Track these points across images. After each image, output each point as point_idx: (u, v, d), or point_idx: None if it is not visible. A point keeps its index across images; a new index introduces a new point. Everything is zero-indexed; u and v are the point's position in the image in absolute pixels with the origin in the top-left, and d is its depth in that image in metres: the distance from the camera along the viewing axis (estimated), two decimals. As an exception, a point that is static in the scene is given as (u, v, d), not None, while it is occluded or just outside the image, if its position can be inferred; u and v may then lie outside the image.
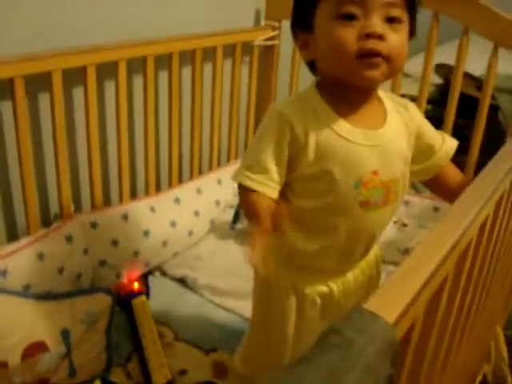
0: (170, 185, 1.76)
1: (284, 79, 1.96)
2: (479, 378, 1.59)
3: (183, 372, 1.39)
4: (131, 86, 1.57)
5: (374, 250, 1.11)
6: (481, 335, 1.33)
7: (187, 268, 1.69)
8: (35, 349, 1.28)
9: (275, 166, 0.89)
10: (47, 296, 1.37)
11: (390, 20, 0.83)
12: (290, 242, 0.99)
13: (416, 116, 1.00)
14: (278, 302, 1.07)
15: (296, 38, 0.94)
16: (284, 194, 0.95)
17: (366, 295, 1.08)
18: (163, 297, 1.60)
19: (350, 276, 1.07)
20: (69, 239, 1.46)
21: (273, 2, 1.86)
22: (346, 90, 0.89)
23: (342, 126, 0.89)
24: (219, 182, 1.86)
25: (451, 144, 1.06)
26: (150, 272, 1.69)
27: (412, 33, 0.90)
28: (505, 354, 1.63)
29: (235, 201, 1.92)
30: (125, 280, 1.59)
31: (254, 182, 0.89)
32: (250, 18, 1.90)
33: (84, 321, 1.36)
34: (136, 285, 1.60)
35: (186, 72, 1.69)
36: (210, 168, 1.88)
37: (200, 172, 1.85)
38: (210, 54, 1.73)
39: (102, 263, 1.54)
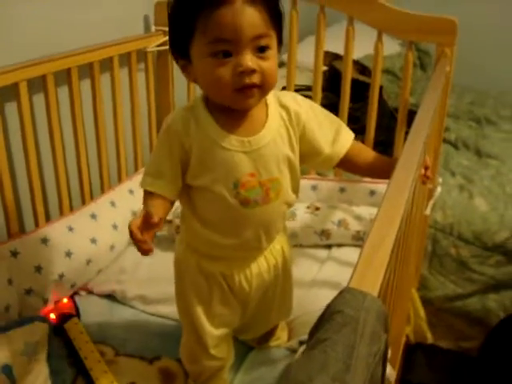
0: (84, 202, 1.73)
1: (181, 82, 1.99)
2: (403, 340, 1.73)
3: (131, 385, 1.39)
4: (33, 106, 1.53)
5: (280, 241, 1.22)
6: (404, 300, 1.46)
7: (114, 283, 1.67)
8: (-23, 391, 1.23)
9: (170, 170, 1.02)
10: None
11: (260, 49, 0.92)
12: (192, 230, 1.12)
13: (300, 117, 1.08)
14: (188, 278, 1.18)
15: (176, 60, 1.02)
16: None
17: (275, 282, 1.24)
18: (94, 315, 1.58)
19: (254, 265, 1.18)
20: (-10, 272, 1.41)
21: (161, 8, 1.87)
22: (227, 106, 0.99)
23: (221, 135, 1.00)
24: (131, 192, 1.85)
25: (347, 137, 1.16)
26: (76, 293, 1.65)
27: (280, 42, 0.99)
28: (422, 313, 1.79)
29: (149, 209, 1.92)
30: (52, 305, 1.56)
31: (151, 185, 1.04)
32: (139, 24, 1.91)
33: (25, 352, 1.32)
34: (65, 307, 1.57)
35: (86, 85, 1.67)
36: (120, 179, 1.87)
37: (110, 185, 1.83)
38: (106, 65, 1.71)
39: (28, 291, 1.50)
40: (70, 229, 1.61)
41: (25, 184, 1.54)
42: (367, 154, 1.20)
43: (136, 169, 1.96)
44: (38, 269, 1.51)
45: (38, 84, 1.51)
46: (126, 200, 1.82)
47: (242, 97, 0.94)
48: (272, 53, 0.94)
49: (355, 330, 0.51)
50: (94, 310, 1.60)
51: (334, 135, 1.14)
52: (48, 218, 1.64)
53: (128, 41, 1.77)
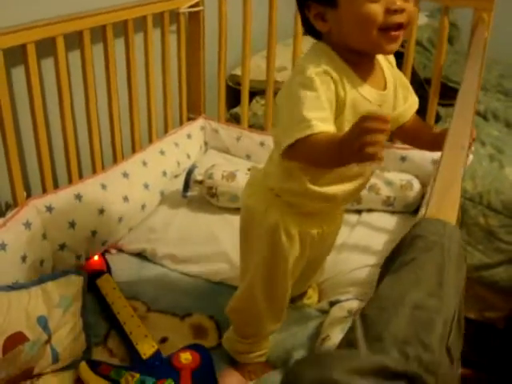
0: (115, 161, 1.73)
1: (212, 45, 1.97)
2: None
3: (164, 340, 1.40)
4: (69, 62, 1.52)
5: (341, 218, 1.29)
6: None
7: (144, 241, 1.68)
8: (14, 341, 1.25)
9: (330, 114, 0.96)
10: (17, 286, 1.33)
11: None
12: (296, 183, 1.08)
13: (396, 69, 1.14)
14: (282, 243, 1.14)
15: (307, 8, 1.00)
16: None
17: (332, 242, 1.30)
18: (125, 273, 1.59)
19: (331, 222, 1.21)
20: (27, 226, 1.42)
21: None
22: (359, 55, 1.00)
23: (366, 89, 1.01)
24: (162, 152, 1.85)
25: (415, 99, 1.19)
26: (106, 251, 1.66)
27: None
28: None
29: (180, 170, 1.93)
30: (84, 261, 1.57)
31: (316, 125, 0.91)
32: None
33: (59, 305, 1.34)
34: (96, 264, 1.58)
35: (119, 45, 1.66)
36: (150, 140, 1.86)
37: (141, 145, 1.83)
38: (139, 24, 1.70)
39: (62, 247, 1.51)
40: (103, 186, 1.62)
41: (59, 140, 1.54)
42: (420, 122, 1.22)
43: (166, 130, 1.95)
44: (72, 224, 1.52)
45: (74, 39, 1.49)
46: (157, 160, 1.82)
47: (386, 39, 0.94)
48: None
49: (442, 252, 0.51)
50: (124, 268, 1.61)
51: (407, 94, 1.16)
52: (81, 176, 1.64)
53: (160, 0, 1.75)
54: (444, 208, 0.60)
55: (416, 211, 1.76)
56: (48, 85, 1.51)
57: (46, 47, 1.43)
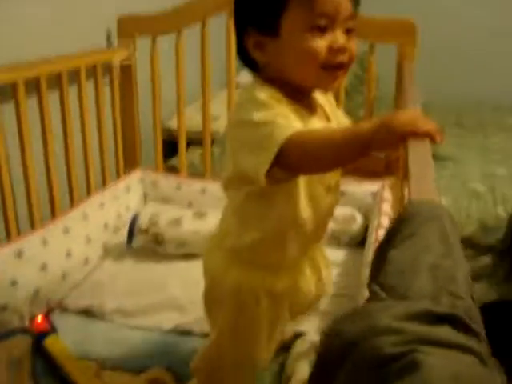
0: (54, 214, 1.66)
1: (144, 95, 1.98)
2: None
3: (121, 398, 1.33)
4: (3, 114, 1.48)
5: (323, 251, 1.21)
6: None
7: (89, 297, 1.61)
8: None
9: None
10: (-42, 351, 1.23)
11: (348, 31, 0.92)
12: (262, 247, 1.03)
13: (334, 103, 1.10)
14: (249, 305, 1.06)
15: (245, 36, 0.95)
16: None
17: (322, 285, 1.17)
18: (72, 332, 1.50)
19: (310, 267, 1.13)
20: (-34, 287, 1.32)
21: (124, 22, 1.88)
22: (297, 89, 0.95)
23: (313, 121, 0.97)
24: (102, 205, 1.81)
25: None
26: (50, 311, 1.57)
27: None
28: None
29: (120, 223, 1.88)
30: (29, 323, 1.48)
31: (294, 125, 0.87)
32: (101, 38, 1.90)
33: (9, 367, 1.25)
34: (41, 325, 1.49)
35: (54, 97, 1.64)
36: (89, 192, 1.82)
37: (80, 198, 1.78)
38: (73, 77, 1.69)
39: (4, 308, 1.41)
40: (45, 242, 1.55)
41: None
42: None
43: (104, 183, 1.91)
44: (14, 283, 1.43)
45: (7, 92, 1.46)
46: (97, 213, 1.77)
47: (328, 76, 0.92)
48: (354, 34, 0.94)
49: (441, 222, 0.51)
50: (70, 327, 1.53)
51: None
52: (19, 232, 1.56)
53: (94, 52, 1.76)
54: (426, 192, 0.61)
55: (361, 243, 1.79)
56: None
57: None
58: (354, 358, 0.34)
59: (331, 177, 1.01)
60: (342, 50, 0.90)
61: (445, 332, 0.35)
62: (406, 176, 0.77)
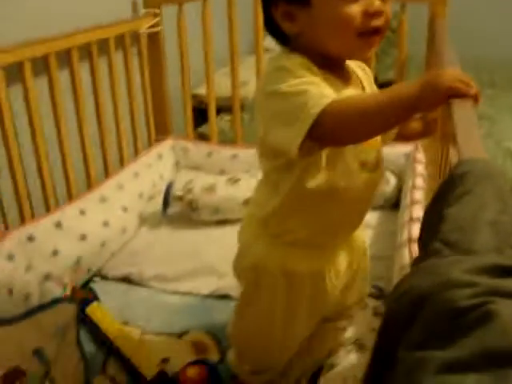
0: (90, 185, 1.69)
1: (173, 65, 1.98)
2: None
3: (165, 360, 1.35)
4: (38, 88, 1.49)
5: (362, 238, 1.14)
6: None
7: (128, 265, 1.64)
8: (12, 377, 1.19)
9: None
10: (5, 320, 1.27)
11: None
12: (291, 209, 0.97)
13: (372, 77, 1.05)
14: (266, 284, 1.03)
15: (273, 6, 0.89)
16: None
17: (358, 272, 1.11)
18: (113, 299, 1.54)
19: (342, 254, 1.06)
20: (10, 258, 1.36)
21: (150, -10, 1.87)
22: (331, 60, 0.90)
23: (348, 91, 0.91)
24: (136, 175, 1.83)
25: None
26: (90, 280, 1.61)
27: None
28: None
29: (155, 192, 1.90)
30: (70, 290, 1.51)
31: (330, 95, 0.81)
32: (127, 8, 1.89)
33: (54, 335, 1.29)
34: (83, 293, 1.53)
35: (84, 68, 1.64)
36: (122, 163, 1.84)
37: (114, 168, 1.80)
38: (102, 47, 1.69)
39: (47, 277, 1.45)
40: (82, 212, 1.58)
41: (33, 169, 1.51)
42: None
43: (136, 153, 1.93)
44: (55, 252, 1.47)
45: (40, 65, 1.47)
46: (132, 183, 1.80)
47: (364, 44, 0.86)
48: None
49: (494, 180, 0.51)
50: (111, 294, 1.56)
51: None
52: (57, 203, 1.60)
53: (121, 22, 1.75)
54: (475, 151, 0.61)
55: (395, 205, 1.78)
56: (18, 111, 1.47)
57: (12, 73, 1.40)
58: (426, 312, 0.35)
59: (367, 152, 0.94)
60: (377, 13, 0.84)
61: (515, 284, 0.35)
62: (445, 136, 0.76)
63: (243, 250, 1.07)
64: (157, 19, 1.89)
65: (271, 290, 1.03)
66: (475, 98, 0.75)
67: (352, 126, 0.80)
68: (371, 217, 1.76)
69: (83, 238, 1.54)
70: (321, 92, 0.80)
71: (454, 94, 0.73)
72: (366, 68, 1.03)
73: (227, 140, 2.19)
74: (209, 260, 1.60)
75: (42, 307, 1.32)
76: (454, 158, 0.65)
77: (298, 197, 0.94)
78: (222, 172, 2.01)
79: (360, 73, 1.00)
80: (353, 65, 0.99)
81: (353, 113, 0.79)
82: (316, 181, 0.91)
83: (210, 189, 1.73)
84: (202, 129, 2.35)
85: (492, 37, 3.43)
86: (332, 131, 0.80)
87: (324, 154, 0.89)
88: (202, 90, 2.31)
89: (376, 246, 1.61)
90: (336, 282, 1.05)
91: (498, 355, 0.29)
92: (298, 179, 0.92)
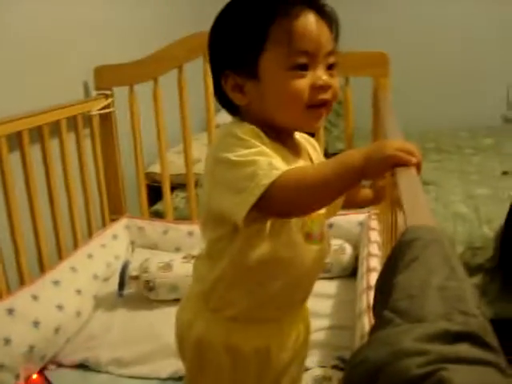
0: (42, 269, 1.65)
1: (125, 142, 2.00)
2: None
3: None
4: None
5: (307, 313, 1.12)
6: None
7: (84, 350, 1.58)
8: None
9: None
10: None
11: (329, 67, 0.89)
12: (234, 279, 0.95)
13: (319, 150, 1.07)
14: (210, 363, 1.00)
15: (223, 79, 0.91)
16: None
17: (302, 347, 1.08)
18: (69, 387, 1.48)
19: (287, 327, 1.03)
20: (-42, 349, 1.29)
21: (100, 73, 1.90)
22: (279, 131, 0.92)
23: (296, 161, 0.93)
24: (90, 256, 1.80)
25: None
26: (44, 368, 1.54)
27: None
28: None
29: (109, 273, 1.86)
30: (23, 380, 1.44)
31: (280, 166, 0.81)
32: (79, 90, 1.92)
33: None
34: (38, 382, 1.46)
35: (36, 151, 1.64)
36: (76, 245, 1.81)
37: (67, 251, 1.77)
38: (54, 130, 1.70)
39: (-1, 367, 1.38)
40: (35, 297, 1.53)
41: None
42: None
43: (90, 233, 1.90)
44: (7, 341, 1.40)
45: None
46: (85, 265, 1.76)
47: (312, 116, 0.88)
48: (335, 69, 0.90)
49: (442, 246, 0.53)
50: (67, 382, 1.50)
51: None
52: (9, 289, 1.54)
53: (73, 104, 1.77)
54: (421, 217, 0.63)
55: (352, 274, 1.79)
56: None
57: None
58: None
59: (311, 225, 0.94)
60: (325, 87, 0.86)
61: (465, 349, 0.36)
62: (396, 203, 0.79)
63: (184, 330, 1.02)
64: (108, 101, 1.91)
65: (216, 368, 0.99)
66: (417, 167, 0.77)
67: (300, 200, 0.81)
68: (330, 286, 1.77)
69: (36, 324, 1.48)
70: (270, 163, 0.80)
71: (396, 162, 0.75)
72: (312, 140, 1.05)
73: (182, 217, 2.19)
74: (167, 341, 1.55)
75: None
76: (401, 224, 0.66)
77: (240, 267, 0.92)
78: (177, 249, 2.00)
79: (306, 145, 1.01)
80: (300, 137, 1.01)
81: (301, 186, 0.79)
82: (259, 251, 0.90)
83: (167, 267, 1.71)
84: (157, 206, 2.35)
85: (435, 107, 3.61)
86: (280, 204, 0.81)
87: (269, 223, 0.89)
88: (155, 168, 2.33)
89: (337, 316, 1.60)
90: (283, 356, 1.02)
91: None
92: (240, 249, 0.91)
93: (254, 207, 0.79)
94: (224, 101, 0.95)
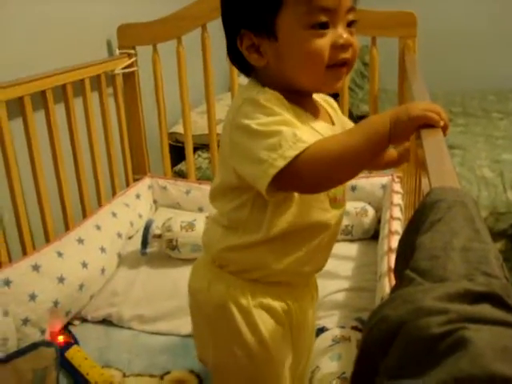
0: (67, 227, 1.68)
1: (148, 102, 2.00)
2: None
3: (147, 402, 1.34)
4: (12, 128, 1.49)
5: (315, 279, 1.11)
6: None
7: (107, 306, 1.62)
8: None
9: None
10: (-16, 366, 1.23)
11: (349, 24, 0.85)
12: (255, 248, 0.93)
13: (339, 111, 1.04)
14: (238, 324, 0.95)
15: (239, 38, 0.87)
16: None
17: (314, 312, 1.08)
18: (93, 342, 1.52)
19: (301, 291, 1.03)
20: (-15, 303, 1.33)
21: (124, 32, 1.89)
22: (298, 92, 0.89)
23: (318, 124, 0.90)
24: (114, 214, 1.81)
25: None
26: (70, 323, 1.58)
27: None
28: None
29: (133, 231, 1.89)
30: (49, 335, 1.49)
31: (302, 142, 0.77)
32: (103, 49, 1.91)
33: (33, 381, 1.25)
34: (62, 337, 1.50)
35: (60, 110, 1.65)
36: (99, 203, 1.83)
37: (91, 209, 1.79)
38: (78, 88, 1.70)
39: (25, 321, 1.42)
40: (60, 254, 1.56)
41: (9, 211, 1.49)
42: None
43: (113, 192, 1.92)
44: (33, 297, 1.44)
45: (15, 107, 1.47)
46: (109, 223, 1.78)
47: (333, 76, 0.85)
48: (355, 27, 0.87)
49: (466, 207, 0.52)
50: (91, 337, 1.54)
51: None
52: (34, 246, 1.58)
53: (96, 63, 1.77)
54: (446, 179, 0.62)
55: (374, 237, 1.79)
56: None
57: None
58: (400, 341, 0.35)
59: (337, 188, 0.93)
60: (346, 46, 0.83)
61: (486, 309, 0.36)
62: (421, 165, 0.78)
63: (200, 297, 1.00)
64: (132, 60, 1.91)
65: (243, 329, 0.95)
66: (444, 129, 0.76)
67: (330, 173, 0.78)
68: (351, 248, 1.77)
69: (61, 280, 1.51)
70: (295, 134, 0.77)
71: (423, 123, 0.74)
72: (331, 100, 1.02)
73: (205, 177, 2.20)
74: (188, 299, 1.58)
75: (20, 352, 1.29)
76: (425, 187, 0.66)
77: (265, 236, 0.91)
78: (200, 209, 2.01)
79: (327, 106, 0.99)
80: (319, 98, 0.98)
81: (330, 159, 0.76)
82: (286, 218, 0.89)
83: (189, 226, 1.72)
84: (180, 167, 2.36)
85: (462, 69, 3.53)
86: (308, 178, 0.78)
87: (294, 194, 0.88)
88: (178, 129, 2.33)
89: (358, 278, 1.61)
90: (301, 318, 1.02)
91: (469, 382, 0.29)
92: (266, 217, 0.89)
93: (275, 181, 0.76)
94: (239, 61, 0.91)
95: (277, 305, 0.97)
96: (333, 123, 0.96)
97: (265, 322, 0.95)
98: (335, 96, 1.04)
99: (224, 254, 0.96)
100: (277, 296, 0.97)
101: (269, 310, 0.96)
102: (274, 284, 0.97)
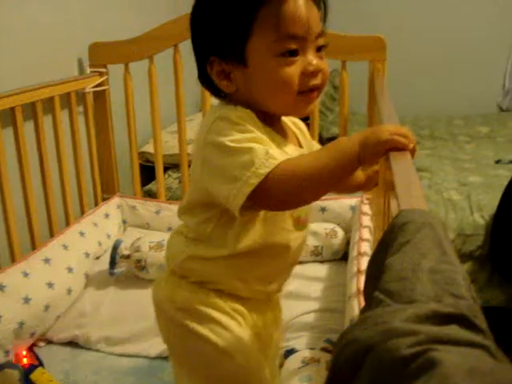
0: (34, 246, 1.65)
1: (119, 121, 1.99)
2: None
3: (113, 426, 1.31)
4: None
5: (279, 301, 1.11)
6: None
7: (74, 328, 1.58)
8: None
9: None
10: None
11: (319, 49, 0.86)
12: (221, 262, 0.93)
13: (307, 134, 1.05)
14: (207, 321, 0.95)
15: (208, 64, 0.87)
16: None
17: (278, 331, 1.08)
18: (59, 364, 1.48)
19: (264, 306, 1.03)
20: None
21: (95, 50, 1.88)
22: (267, 116, 0.89)
23: (286, 145, 0.91)
24: (81, 234, 1.79)
25: None
26: (34, 344, 1.55)
27: None
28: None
29: (101, 251, 1.87)
30: (14, 357, 1.45)
31: (274, 159, 0.77)
32: (73, 67, 1.90)
33: (-4, 404, 1.22)
34: (26, 359, 1.46)
35: (29, 127, 1.63)
36: (67, 222, 1.80)
37: (58, 228, 1.77)
38: (47, 105, 1.69)
39: (-12, 343, 1.38)
40: (25, 274, 1.53)
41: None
42: None
43: (82, 211, 1.90)
44: (-3, 317, 1.40)
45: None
46: (77, 242, 1.75)
47: (303, 101, 0.86)
48: (324, 50, 0.88)
49: (434, 229, 0.53)
50: (57, 359, 1.51)
51: None
52: None
53: (67, 81, 1.76)
54: (414, 201, 0.63)
55: (343, 258, 1.80)
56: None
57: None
58: (370, 363, 0.35)
59: (301, 209, 0.93)
60: (316, 73, 0.84)
61: (454, 330, 0.36)
62: (390, 187, 0.78)
63: (163, 305, 1.00)
64: (103, 78, 1.90)
65: (209, 336, 0.94)
66: (412, 152, 0.77)
67: (298, 191, 0.78)
68: (321, 269, 1.78)
69: (26, 301, 1.48)
70: (267, 151, 0.77)
71: (392, 146, 0.75)
72: (299, 123, 1.03)
73: (175, 197, 2.19)
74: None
75: (-19, 375, 1.25)
76: (394, 208, 0.66)
77: (227, 251, 0.91)
78: (170, 230, 1.99)
79: (295, 129, 1.00)
80: (287, 120, 0.98)
81: (299, 177, 0.76)
82: (251, 236, 0.90)
83: (158, 246, 1.71)
84: (150, 186, 2.34)
85: (430, 93, 3.61)
86: (277, 195, 0.78)
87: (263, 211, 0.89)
88: (149, 148, 2.32)
89: (327, 299, 1.61)
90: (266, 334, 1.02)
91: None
92: (230, 233, 0.90)
93: (247, 199, 0.76)
94: (209, 86, 0.91)
95: (244, 310, 0.97)
96: (300, 146, 0.97)
97: (230, 325, 0.95)
98: (305, 119, 1.04)
99: (186, 264, 0.96)
100: (241, 304, 0.97)
101: (235, 312, 0.96)
102: (236, 296, 0.97)
